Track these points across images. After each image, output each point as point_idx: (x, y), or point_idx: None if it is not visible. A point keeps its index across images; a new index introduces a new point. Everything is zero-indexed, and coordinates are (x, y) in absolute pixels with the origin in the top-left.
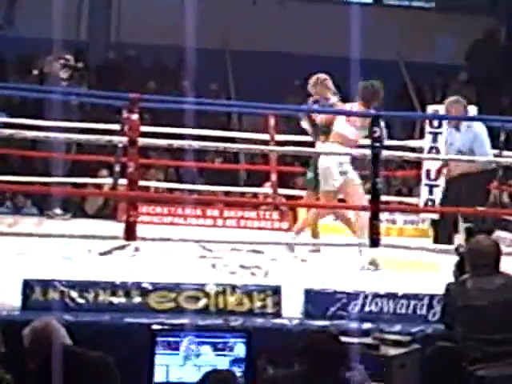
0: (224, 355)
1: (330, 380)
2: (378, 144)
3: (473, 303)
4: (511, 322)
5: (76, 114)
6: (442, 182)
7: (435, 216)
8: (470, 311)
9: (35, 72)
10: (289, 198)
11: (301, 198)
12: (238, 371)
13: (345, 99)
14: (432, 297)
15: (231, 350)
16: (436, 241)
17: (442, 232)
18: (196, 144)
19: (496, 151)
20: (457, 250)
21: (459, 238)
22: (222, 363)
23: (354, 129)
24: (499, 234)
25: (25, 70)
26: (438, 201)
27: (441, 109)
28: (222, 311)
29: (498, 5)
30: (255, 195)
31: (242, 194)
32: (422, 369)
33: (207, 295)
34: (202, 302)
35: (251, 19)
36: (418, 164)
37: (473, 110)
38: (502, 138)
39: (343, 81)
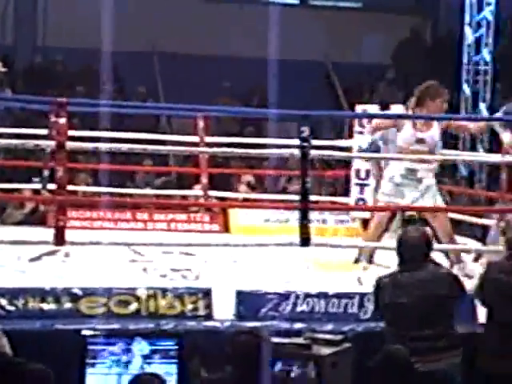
0: (156, 359)
1: (256, 381)
2: (306, 144)
3: (396, 300)
4: (434, 319)
5: (3, 119)
6: (372, 181)
7: (366, 215)
8: (394, 308)
9: None
10: (219, 199)
11: (232, 199)
12: (170, 375)
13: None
14: (363, 295)
15: (163, 353)
16: None
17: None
18: (124, 147)
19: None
20: None
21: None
22: (154, 367)
23: None
24: (466, 242)
25: None
26: (369, 200)
27: (369, 108)
28: (153, 315)
29: (423, 4)
30: (185, 198)
31: (173, 197)
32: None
33: (138, 299)
34: (133, 306)
35: (179, 22)
36: (347, 164)
37: (399, 109)
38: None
39: (272, 82)
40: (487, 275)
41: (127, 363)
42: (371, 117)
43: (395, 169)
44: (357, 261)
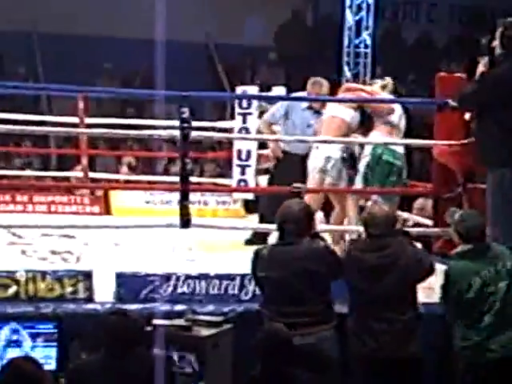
0: (35, 343)
1: (129, 362)
2: (186, 125)
3: (270, 274)
4: (305, 294)
5: None
6: (253, 162)
7: (249, 196)
8: (268, 282)
9: None
10: (99, 181)
11: (113, 181)
12: (50, 358)
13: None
14: (244, 276)
15: (42, 337)
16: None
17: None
18: (2, 128)
19: None
20: None
21: None
22: (33, 350)
23: None
24: None
25: None
26: (250, 181)
27: (250, 89)
28: (32, 298)
29: None
30: (67, 179)
31: (53, 179)
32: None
33: (17, 282)
34: (12, 290)
35: (60, 1)
36: (230, 145)
37: (281, 91)
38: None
39: (152, 63)
40: (348, 254)
41: (5, 347)
42: (250, 98)
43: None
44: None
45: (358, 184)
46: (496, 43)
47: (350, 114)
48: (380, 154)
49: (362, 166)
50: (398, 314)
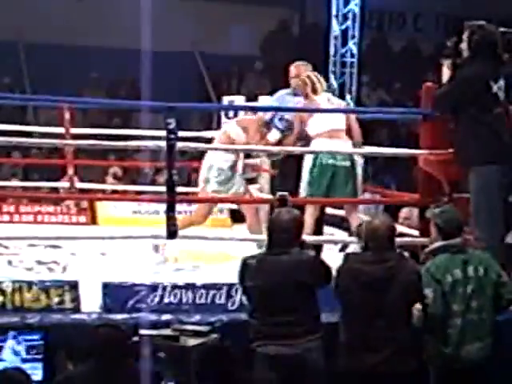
0: (21, 353)
1: (118, 373)
2: (172, 136)
3: (258, 284)
4: (293, 305)
5: None
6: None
7: (234, 206)
8: (255, 291)
9: None
10: (86, 191)
11: (96, 191)
12: (36, 369)
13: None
14: (230, 286)
15: (29, 347)
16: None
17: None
18: None
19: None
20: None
21: None
22: (19, 362)
23: None
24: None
25: None
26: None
27: (236, 99)
28: (18, 308)
29: None
30: (53, 190)
31: (39, 189)
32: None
33: (3, 293)
34: None
35: (46, 11)
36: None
37: (268, 100)
38: None
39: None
40: (347, 267)
41: None
42: (237, 109)
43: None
44: None
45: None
46: (463, 46)
47: (237, 132)
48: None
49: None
50: (398, 328)
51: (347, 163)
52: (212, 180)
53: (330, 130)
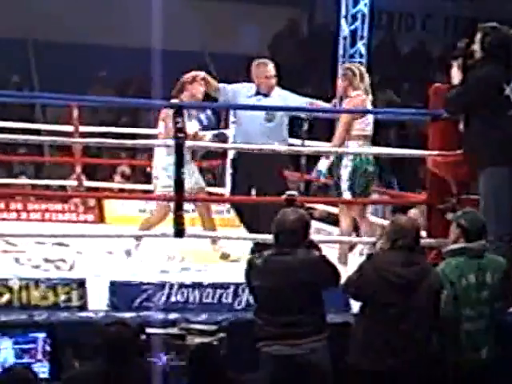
0: (29, 351)
1: (128, 371)
2: (181, 134)
3: (264, 284)
4: (299, 305)
5: None
6: None
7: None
8: (262, 291)
9: None
10: (93, 189)
11: (106, 189)
12: (43, 367)
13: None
14: (237, 285)
15: (36, 345)
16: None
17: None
18: None
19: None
20: None
21: None
22: (27, 359)
23: None
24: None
25: None
26: None
27: None
28: (25, 306)
29: None
30: (61, 188)
31: (47, 187)
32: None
33: (10, 290)
34: (5, 298)
35: (56, 9)
36: (223, 154)
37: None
38: (305, 127)
39: (146, 71)
40: (370, 265)
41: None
42: (244, 108)
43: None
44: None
45: (346, 195)
46: (476, 47)
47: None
48: (361, 165)
49: (344, 175)
50: (421, 329)
51: None
52: (162, 175)
53: None
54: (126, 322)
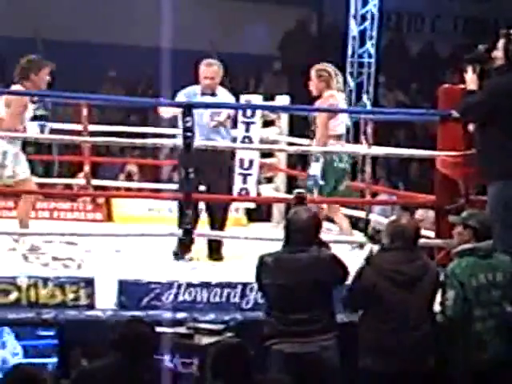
0: (36, 349)
1: (142, 369)
2: (189, 134)
3: (276, 282)
4: (310, 303)
5: None
6: (255, 171)
7: (251, 205)
8: (273, 289)
9: None
10: (102, 188)
11: (114, 188)
12: (50, 365)
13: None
14: (245, 285)
15: (44, 343)
16: None
17: None
18: (5, 135)
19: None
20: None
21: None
22: (34, 357)
23: None
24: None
25: None
26: (252, 190)
27: (254, 98)
28: (33, 304)
29: None
30: (69, 186)
31: (55, 186)
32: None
33: (19, 288)
34: (14, 296)
35: (64, 8)
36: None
37: (285, 100)
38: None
39: (155, 71)
40: (370, 265)
41: (6, 353)
42: (254, 108)
43: None
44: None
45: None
46: (498, 54)
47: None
48: (332, 161)
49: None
50: (424, 326)
51: None
52: (8, 167)
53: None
54: (142, 319)
